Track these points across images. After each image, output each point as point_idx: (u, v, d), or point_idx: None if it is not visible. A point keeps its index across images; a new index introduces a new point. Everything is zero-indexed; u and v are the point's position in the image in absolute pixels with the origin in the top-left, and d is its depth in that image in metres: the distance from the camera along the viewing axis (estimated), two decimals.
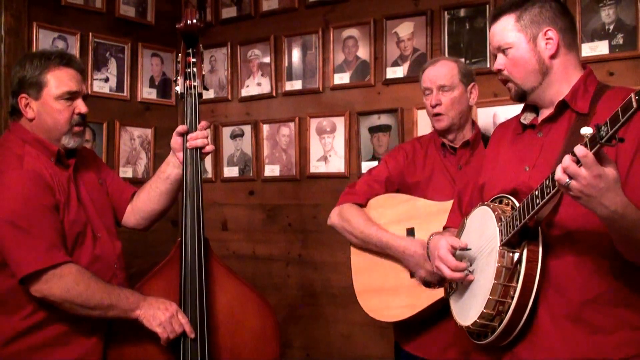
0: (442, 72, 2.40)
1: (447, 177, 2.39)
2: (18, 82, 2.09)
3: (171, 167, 2.27)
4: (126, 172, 3.67)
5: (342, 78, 3.47)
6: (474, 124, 2.50)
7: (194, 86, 2.26)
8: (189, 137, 2.21)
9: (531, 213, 1.52)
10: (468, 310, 1.70)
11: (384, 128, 3.32)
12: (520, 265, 1.57)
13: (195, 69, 2.27)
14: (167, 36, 3.90)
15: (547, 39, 1.69)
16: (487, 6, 3.00)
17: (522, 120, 1.81)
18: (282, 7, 3.68)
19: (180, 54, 2.30)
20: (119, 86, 3.69)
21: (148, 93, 3.83)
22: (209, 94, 3.92)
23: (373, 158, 3.35)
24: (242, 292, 2.24)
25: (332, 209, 2.56)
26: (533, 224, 1.59)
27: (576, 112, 1.66)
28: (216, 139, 3.92)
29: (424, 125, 3.17)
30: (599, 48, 2.73)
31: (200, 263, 2.14)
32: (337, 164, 3.49)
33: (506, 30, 1.72)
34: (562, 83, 1.71)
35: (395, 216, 2.40)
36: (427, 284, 2.26)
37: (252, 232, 3.82)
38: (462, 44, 3.09)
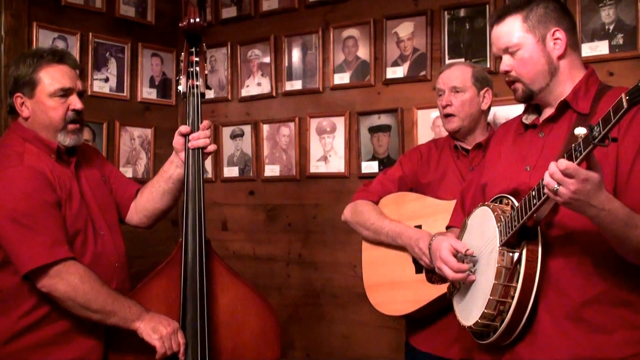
0: (455, 74, 2.45)
1: (458, 178, 2.42)
2: (13, 81, 2.10)
3: (174, 167, 2.27)
4: (126, 172, 3.67)
5: (342, 78, 3.48)
6: (489, 126, 2.53)
7: (197, 85, 2.25)
8: (191, 137, 2.20)
9: (529, 213, 1.52)
10: (470, 310, 1.70)
11: (384, 128, 3.33)
12: (520, 265, 1.58)
13: (197, 68, 2.26)
14: (167, 36, 3.90)
15: (555, 39, 1.69)
16: (487, 6, 3.01)
17: (523, 120, 1.81)
18: (282, 7, 3.68)
19: (182, 53, 2.30)
20: (119, 86, 3.69)
21: (148, 93, 3.84)
22: (209, 94, 3.92)
23: (373, 158, 3.36)
24: (243, 293, 2.24)
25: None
26: (532, 224, 1.59)
27: (577, 112, 1.67)
28: (216, 139, 3.92)
29: (424, 125, 3.17)
30: (599, 48, 2.73)
31: (201, 264, 2.14)
32: (337, 164, 3.49)
33: (513, 31, 1.71)
34: (566, 83, 1.71)
35: (405, 214, 2.44)
36: (430, 279, 2.29)
37: (253, 232, 3.82)
38: (462, 44, 3.09)
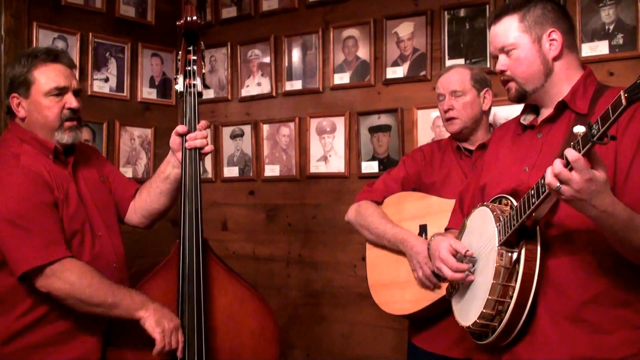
0: (454, 78, 2.46)
1: (462, 179, 2.42)
2: (9, 82, 2.10)
3: (170, 167, 2.26)
4: (126, 172, 3.67)
5: (342, 78, 3.47)
6: (490, 127, 2.53)
7: (194, 85, 2.23)
8: (188, 137, 2.18)
9: (527, 212, 1.52)
10: (468, 311, 1.70)
11: (384, 128, 3.32)
12: (519, 265, 1.57)
13: (195, 67, 2.24)
14: (167, 36, 3.90)
15: (551, 40, 1.69)
16: (487, 6, 3.00)
17: (522, 120, 1.81)
18: (282, 7, 3.68)
19: (180, 52, 2.28)
20: (119, 86, 3.69)
21: (148, 93, 3.84)
22: (209, 94, 3.92)
23: (373, 158, 3.35)
24: (241, 293, 2.23)
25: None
26: (531, 224, 1.59)
27: (576, 112, 1.66)
28: (216, 139, 3.92)
29: (424, 125, 3.17)
30: (599, 48, 2.73)
31: (198, 264, 2.13)
32: (337, 164, 3.48)
33: (510, 31, 1.71)
34: (563, 84, 1.70)
35: (409, 213, 2.45)
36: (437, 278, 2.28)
37: (252, 232, 3.82)
38: (462, 44, 3.09)
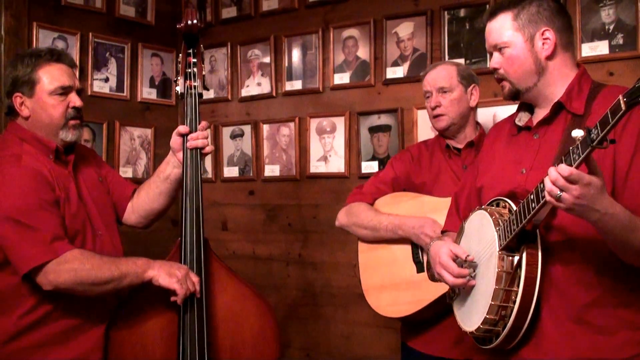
0: (440, 75, 2.46)
1: (452, 178, 2.42)
2: (11, 82, 2.11)
3: (171, 167, 2.28)
4: (126, 172, 3.68)
5: (342, 78, 3.47)
6: (478, 124, 2.52)
7: (194, 86, 2.26)
8: (189, 137, 2.21)
9: (528, 217, 1.51)
10: (471, 316, 1.69)
11: (384, 128, 3.32)
12: (520, 269, 1.56)
13: (195, 69, 2.27)
14: (167, 36, 3.90)
15: (544, 39, 1.68)
16: (487, 6, 2.99)
17: (516, 121, 1.80)
18: (282, 7, 3.68)
19: (180, 54, 2.30)
20: (119, 86, 3.69)
21: (148, 93, 3.84)
22: (209, 94, 3.92)
23: (373, 158, 3.35)
24: (241, 292, 2.24)
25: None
26: (531, 227, 1.58)
27: (571, 113, 1.66)
28: (216, 139, 3.92)
29: (424, 125, 3.17)
30: (599, 48, 2.73)
31: (199, 263, 2.15)
32: (337, 164, 3.49)
33: (503, 29, 1.70)
34: (557, 83, 1.70)
35: (404, 212, 2.43)
36: (433, 277, 2.27)
37: (252, 232, 3.82)
38: (462, 44, 3.09)
